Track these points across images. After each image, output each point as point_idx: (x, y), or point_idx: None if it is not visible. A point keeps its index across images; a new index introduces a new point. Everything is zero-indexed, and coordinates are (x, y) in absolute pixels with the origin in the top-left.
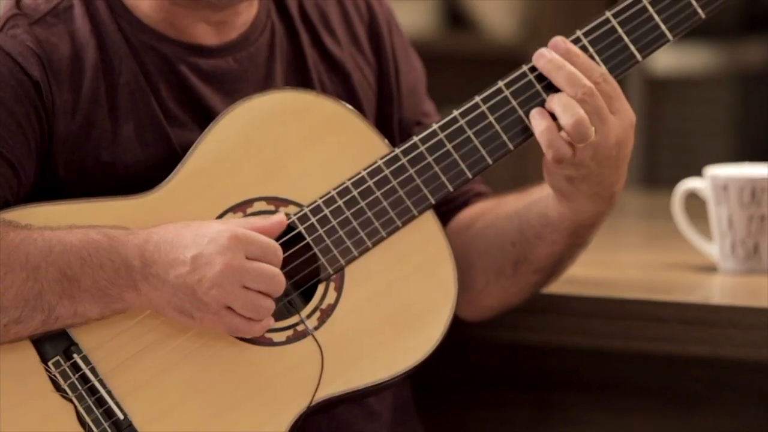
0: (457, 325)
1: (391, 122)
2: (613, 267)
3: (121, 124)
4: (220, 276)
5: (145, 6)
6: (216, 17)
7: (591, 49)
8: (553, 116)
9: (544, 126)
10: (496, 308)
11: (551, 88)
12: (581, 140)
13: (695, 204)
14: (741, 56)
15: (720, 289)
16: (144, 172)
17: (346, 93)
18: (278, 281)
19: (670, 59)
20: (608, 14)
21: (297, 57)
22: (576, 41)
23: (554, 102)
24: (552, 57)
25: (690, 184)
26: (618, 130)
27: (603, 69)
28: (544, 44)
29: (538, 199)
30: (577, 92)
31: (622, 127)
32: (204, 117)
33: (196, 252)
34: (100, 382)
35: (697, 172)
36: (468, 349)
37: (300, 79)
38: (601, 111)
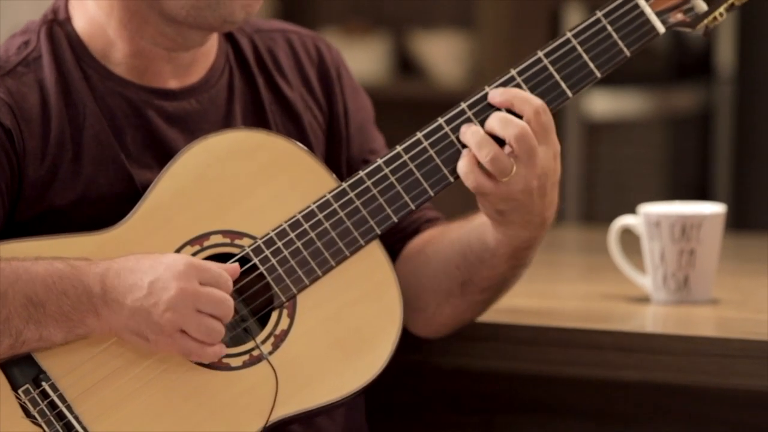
0: (406, 351)
1: (339, 160)
2: (553, 298)
3: (85, 166)
4: (175, 299)
5: (115, 53)
6: (186, 58)
7: (524, 87)
8: None
9: (465, 160)
10: (451, 325)
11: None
12: (502, 175)
13: (630, 239)
14: (671, 102)
15: (653, 319)
16: (106, 211)
17: (297, 133)
18: (228, 306)
19: (606, 104)
20: (540, 54)
21: (254, 98)
22: (510, 80)
23: (468, 139)
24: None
25: (625, 220)
26: (545, 161)
27: (541, 101)
28: None
29: (478, 225)
30: (510, 133)
31: (548, 158)
32: (167, 158)
33: (153, 277)
34: (68, 407)
35: (632, 210)
36: (417, 375)
37: (257, 118)
38: (531, 149)
